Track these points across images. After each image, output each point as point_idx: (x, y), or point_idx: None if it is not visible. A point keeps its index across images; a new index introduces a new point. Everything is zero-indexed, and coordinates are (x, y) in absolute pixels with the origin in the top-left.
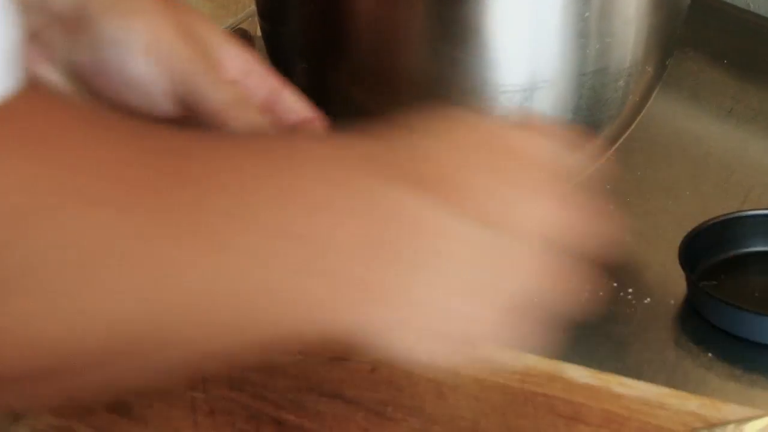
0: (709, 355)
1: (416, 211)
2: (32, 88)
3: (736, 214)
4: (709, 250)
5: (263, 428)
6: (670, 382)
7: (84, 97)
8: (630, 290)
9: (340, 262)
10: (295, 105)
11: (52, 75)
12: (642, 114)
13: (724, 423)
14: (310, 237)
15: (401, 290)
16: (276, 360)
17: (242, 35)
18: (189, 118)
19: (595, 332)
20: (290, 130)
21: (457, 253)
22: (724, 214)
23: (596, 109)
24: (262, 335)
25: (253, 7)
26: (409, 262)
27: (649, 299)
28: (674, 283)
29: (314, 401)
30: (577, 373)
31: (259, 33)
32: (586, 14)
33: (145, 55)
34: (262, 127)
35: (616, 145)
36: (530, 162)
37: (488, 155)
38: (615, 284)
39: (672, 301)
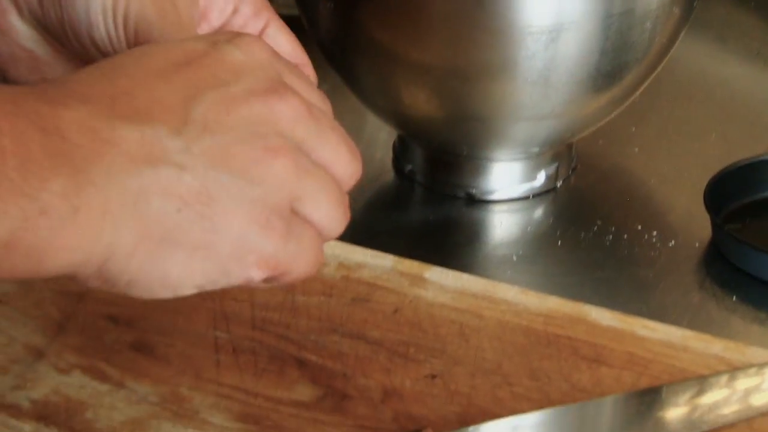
0: (734, 298)
1: (100, 126)
2: None
3: (762, 157)
4: (735, 193)
5: (286, 368)
6: (694, 325)
7: (53, 53)
8: (654, 233)
9: (27, 180)
10: (283, 46)
11: (21, 27)
12: (668, 56)
13: (748, 366)
14: None
15: (120, 205)
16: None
17: None
18: None
19: (619, 275)
20: None
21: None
22: (750, 157)
23: (622, 52)
24: None
25: None
26: (115, 179)
27: (673, 242)
28: (699, 225)
29: (337, 342)
30: (601, 316)
31: None
32: None
33: (105, 15)
34: None
35: (642, 87)
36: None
37: (179, 69)
38: (639, 227)
39: (697, 244)
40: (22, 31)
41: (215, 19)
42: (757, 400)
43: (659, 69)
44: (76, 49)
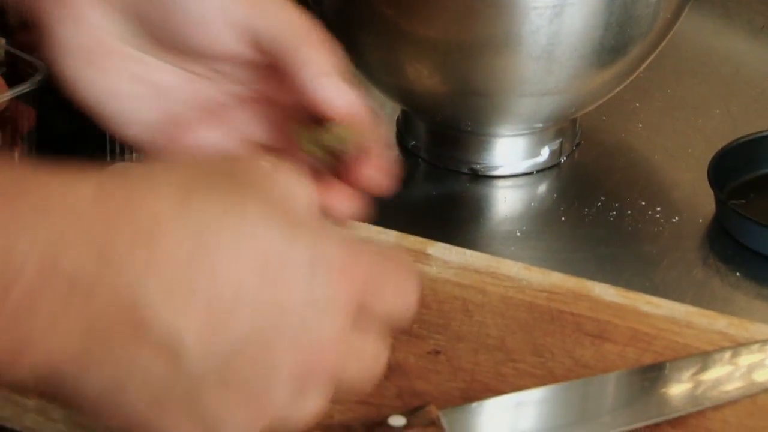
0: (737, 274)
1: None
2: None
3: (766, 133)
4: (739, 168)
5: None
6: (698, 301)
7: (135, 34)
8: (658, 209)
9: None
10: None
11: (96, 17)
12: (673, 31)
13: (751, 342)
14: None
15: None
16: None
17: None
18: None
19: (623, 250)
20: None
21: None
22: (754, 133)
23: (627, 26)
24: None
25: None
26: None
27: (677, 218)
28: (703, 201)
29: None
30: (604, 292)
31: None
32: None
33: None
34: (353, 100)
35: (647, 62)
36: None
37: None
38: (643, 203)
39: (700, 220)
40: (95, 20)
41: None
42: (761, 376)
43: (663, 44)
44: (168, 40)
